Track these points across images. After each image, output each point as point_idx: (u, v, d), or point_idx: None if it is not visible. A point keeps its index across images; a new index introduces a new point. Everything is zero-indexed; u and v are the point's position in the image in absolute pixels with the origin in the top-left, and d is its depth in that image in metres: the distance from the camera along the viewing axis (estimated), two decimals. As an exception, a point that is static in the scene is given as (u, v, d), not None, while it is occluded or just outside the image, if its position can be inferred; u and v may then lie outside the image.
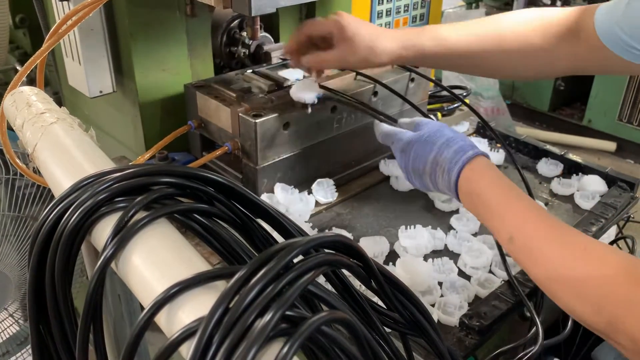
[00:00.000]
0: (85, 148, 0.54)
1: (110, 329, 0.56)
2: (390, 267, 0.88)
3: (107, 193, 0.43)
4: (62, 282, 0.43)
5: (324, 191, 1.06)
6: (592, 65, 0.88)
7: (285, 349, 0.30)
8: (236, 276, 0.34)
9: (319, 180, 1.06)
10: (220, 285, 0.37)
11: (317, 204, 1.04)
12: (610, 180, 1.12)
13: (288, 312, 0.33)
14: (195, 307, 0.35)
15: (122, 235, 0.40)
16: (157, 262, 0.39)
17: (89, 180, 0.45)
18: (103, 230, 0.42)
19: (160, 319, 0.36)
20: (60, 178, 0.51)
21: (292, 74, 1.09)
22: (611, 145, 3.28)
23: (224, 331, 0.31)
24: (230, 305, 0.32)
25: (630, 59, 0.79)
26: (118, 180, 0.44)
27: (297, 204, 1.00)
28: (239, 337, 0.31)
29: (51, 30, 0.89)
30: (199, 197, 0.46)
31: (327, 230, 0.97)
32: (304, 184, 1.06)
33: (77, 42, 1.08)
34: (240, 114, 0.96)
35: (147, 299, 0.37)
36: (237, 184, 0.47)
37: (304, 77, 1.10)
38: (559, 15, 0.87)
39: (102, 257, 0.40)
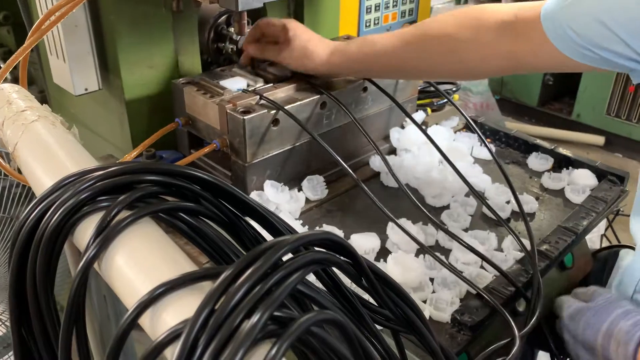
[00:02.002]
0: (68, 146, 0.52)
1: (96, 330, 0.55)
2: (381, 264, 0.87)
3: (89, 192, 0.42)
4: (43, 283, 0.42)
5: (314, 188, 1.05)
6: (537, 63, 0.83)
7: (274, 351, 0.29)
8: (222, 276, 0.33)
9: (309, 177, 1.05)
10: (206, 286, 0.36)
11: (307, 201, 1.03)
12: (600, 173, 1.12)
13: (276, 313, 0.32)
14: (181, 308, 0.34)
15: (105, 236, 0.39)
16: (141, 263, 0.38)
17: (71, 179, 0.44)
18: (85, 231, 0.41)
19: (145, 321, 0.35)
20: (42, 177, 0.49)
21: (280, 70, 1.08)
22: (600, 140, 3.31)
23: (209, 333, 0.30)
24: (216, 306, 0.31)
25: (580, 60, 0.75)
26: (100, 178, 0.43)
27: (287, 202, 0.99)
28: (226, 339, 0.30)
29: (33, 27, 0.87)
30: (185, 195, 0.45)
31: (317, 228, 0.96)
32: (293, 181, 1.05)
33: (61, 39, 1.05)
34: (228, 111, 0.95)
35: (130, 301, 0.36)
36: (224, 181, 0.46)
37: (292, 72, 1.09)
38: (501, 9, 0.84)
39: (85, 258, 0.39)
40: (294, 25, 1.01)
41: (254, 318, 0.30)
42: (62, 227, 0.42)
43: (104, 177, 0.42)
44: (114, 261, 0.39)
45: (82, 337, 0.41)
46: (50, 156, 0.51)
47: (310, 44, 0.99)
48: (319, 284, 0.48)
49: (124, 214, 0.41)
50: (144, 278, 0.37)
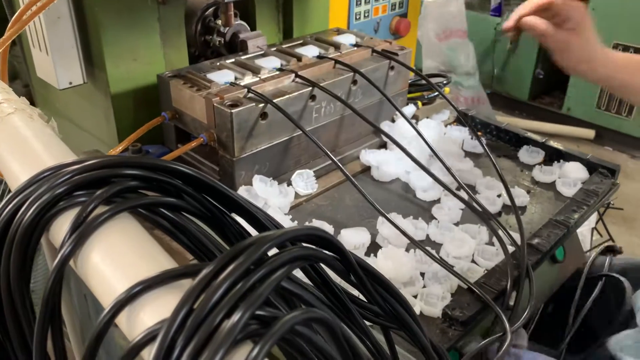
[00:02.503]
0: (45, 140, 0.51)
1: (77, 330, 0.53)
2: (372, 258, 0.86)
3: (65, 186, 0.40)
4: (18, 281, 0.40)
5: (304, 182, 1.04)
6: None
7: (255, 352, 0.28)
8: (202, 273, 0.31)
9: (298, 171, 1.04)
10: (186, 284, 0.34)
11: (296, 195, 1.01)
12: (591, 166, 1.11)
13: (259, 312, 0.30)
14: (159, 308, 0.32)
15: (81, 232, 0.37)
16: (118, 260, 0.36)
17: (47, 173, 0.42)
18: (61, 227, 0.40)
19: (122, 320, 0.34)
20: (17, 171, 0.47)
21: (269, 63, 1.06)
22: (590, 133, 3.31)
23: (187, 334, 0.28)
24: (195, 305, 0.30)
25: None
26: (77, 172, 0.41)
27: (276, 196, 0.97)
28: (204, 340, 0.28)
29: (13, 18, 0.84)
30: (166, 190, 0.43)
31: (307, 223, 0.95)
32: (283, 176, 1.04)
33: (44, 32, 1.03)
34: (215, 104, 0.93)
35: (107, 300, 0.34)
36: (207, 175, 0.44)
37: (281, 65, 1.07)
38: None
39: (60, 255, 0.37)
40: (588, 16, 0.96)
41: (235, 317, 0.29)
42: (36, 223, 0.40)
43: (81, 171, 0.41)
44: (90, 258, 0.37)
45: (57, 337, 0.40)
46: (27, 150, 0.49)
47: (596, 45, 0.96)
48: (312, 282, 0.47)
49: (101, 209, 0.39)
50: (121, 276, 0.35)
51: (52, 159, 0.47)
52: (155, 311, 0.32)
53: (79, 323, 0.53)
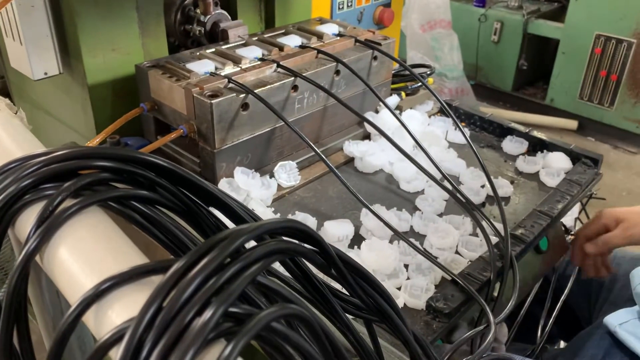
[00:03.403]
0: (12, 131, 0.48)
1: (48, 328, 0.51)
2: (355, 250, 0.85)
3: (31, 178, 0.39)
4: (-18, 280, 0.38)
5: (287, 174, 1.02)
6: None
7: (227, 351, 0.26)
8: (172, 269, 0.30)
9: (281, 163, 1.02)
10: (157, 281, 0.33)
11: (279, 187, 1.00)
12: (575, 156, 1.11)
13: (232, 309, 0.29)
14: (127, 305, 0.31)
15: (47, 226, 0.36)
16: (86, 255, 0.35)
17: (13, 165, 0.40)
18: (27, 221, 0.38)
19: (89, 318, 0.32)
20: (-18, 164, 0.45)
21: (250, 52, 1.04)
22: (573, 124, 3.34)
23: (156, 333, 0.27)
24: (165, 302, 0.28)
25: None
26: (45, 164, 0.39)
27: (259, 189, 0.95)
28: (174, 339, 0.27)
29: (-17, 6, 0.81)
30: (139, 182, 0.42)
31: (290, 215, 0.94)
32: (265, 168, 1.02)
33: (17, 21, 1.00)
34: (195, 95, 0.91)
35: (74, 297, 0.33)
36: (181, 167, 0.42)
37: (263, 55, 1.05)
38: None
39: (24, 251, 0.35)
40: (614, 210, 1.10)
41: (206, 315, 0.27)
42: (1, 217, 0.38)
43: (48, 162, 0.39)
44: (57, 254, 0.36)
45: (24, 337, 0.38)
46: (-7, 141, 0.47)
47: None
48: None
49: (69, 202, 0.37)
50: (89, 272, 0.34)
51: (20, 151, 0.45)
52: (124, 309, 0.31)
53: (51, 321, 0.52)
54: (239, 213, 0.44)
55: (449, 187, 0.97)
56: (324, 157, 0.93)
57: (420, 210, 0.97)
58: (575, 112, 3.33)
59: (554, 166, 1.09)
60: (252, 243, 0.35)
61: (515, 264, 0.83)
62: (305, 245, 0.39)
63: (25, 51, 1.03)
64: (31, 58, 1.03)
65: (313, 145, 0.94)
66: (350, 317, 0.49)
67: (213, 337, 0.27)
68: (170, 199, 0.43)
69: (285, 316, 0.31)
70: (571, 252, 1.14)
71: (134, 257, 0.35)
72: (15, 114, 0.52)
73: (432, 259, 0.82)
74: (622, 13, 2.94)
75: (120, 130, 0.99)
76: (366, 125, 1.17)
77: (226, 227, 0.46)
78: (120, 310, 0.31)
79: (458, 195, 0.95)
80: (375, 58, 1.15)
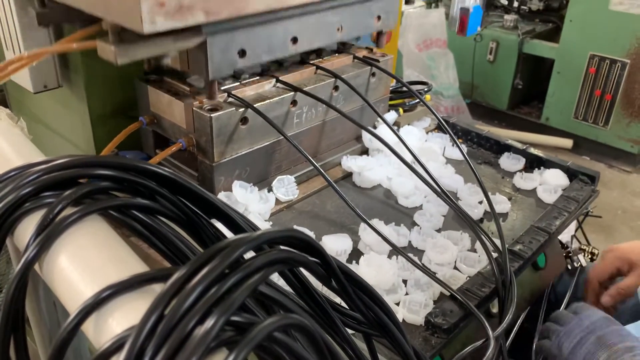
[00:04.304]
0: (13, 140, 0.48)
1: (45, 340, 0.50)
2: (353, 266, 0.84)
3: (32, 187, 0.38)
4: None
5: (285, 188, 1.02)
6: None
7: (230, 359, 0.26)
8: (173, 277, 0.29)
9: (279, 177, 1.02)
10: (158, 289, 0.32)
11: (277, 202, 1.00)
12: (572, 173, 1.12)
13: (234, 318, 0.29)
14: (128, 314, 0.30)
15: (47, 234, 0.35)
16: (86, 264, 0.34)
17: (13, 173, 0.40)
18: (27, 229, 0.37)
19: (89, 327, 0.31)
20: (-18, 173, 0.45)
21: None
22: (568, 142, 3.36)
23: (157, 341, 0.27)
24: (166, 311, 0.28)
25: None
26: (45, 172, 0.39)
27: (257, 203, 0.95)
28: (176, 348, 0.26)
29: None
30: (139, 191, 0.41)
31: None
32: (263, 182, 1.02)
33: (18, 34, 1.00)
34: (194, 108, 0.91)
35: (73, 305, 0.32)
36: (181, 175, 0.42)
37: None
38: None
39: (23, 259, 0.35)
40: (625, 249, 1.08)
41: (208, 323, 0.27)
42: (1, 225, 0.38)
43: (49, 170, 0.39)
44: (57, 262, 0.35)
45: (21, 348, 0.37)
46: (-7, 150, 0.47)
47: None
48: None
49: (69, 210, 0.37)
50: (88, 280, 0.33)
51: (20, 159, 0.45)
52: (124, 317, 0.30)
53: (47, 333, 0.51)
54: (239, 223, 0.44)
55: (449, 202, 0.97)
56: (322, 171, 0.93)
57: (418, 225, 0.96)
58: (571, 131, 3.35)
59: (551, 183, 1.09)
60: (252, 253, 0.35)
61: (513, 279, 0.83)
62: (306, 255, 0.39)
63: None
64: (31, 71, 1.04)
65: (312, 160, 0.94)
66: (349, 331, 0.49)
67: (215, 346, 0.27)
68: (170, 209, 0.42)
69: (288, 326, 0.30)
70: (584, 295, 1.13)
71: (135, 266, 0.35)
72: (16, 123, 0.52)
73: (431, 274, 0.82)
74: (616, 34, 2.98)
75: (118, 144, 0.99)
76: (364, 140, 1.17)
77: (225, 237, 0.46)
78: (121, 319, 0.30)
79: (457, 209, 0.95)
80: (373, 74, 1.15)
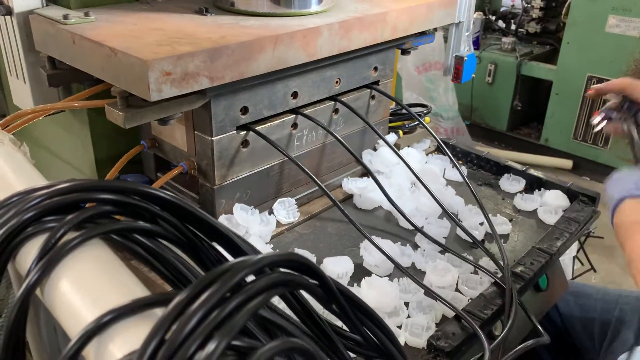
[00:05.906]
0: (16, 165, 0.49)
1: (44, 365, 0.50)
2: (355, 288, 0.84)
3: (34, 211, 0.39)
4: (-20, 314, 0.38)
5: (286, 211, 1.02)
6: None
7: (231, 384, 0.26)
8: (174, 302, 0.29)
9: (280, 199, 1.03)
10: (159, 313, 0.32)
11: (278, 224, 1.00)
12: (572, 194, 1.12)
13: (235, 342, 0.29)
14: (129, 338, 0.30)
15: (49, 259, 0.36)
16: (87, 288, 0.34)
17: (15, 198, 0.41)
18: (29, 254, 0.38)
19: (90, 352, 0.31)
20: (-15, 197, 0.45)
21: None
22: (568, 163, 3.36)
23: (158, 366, 0.27)
24: (167, 335, 0.28)
25: None
26: (47, 197, 0.39)
27: (258, 225, 0.95)
28: (177, 372, 0.26)
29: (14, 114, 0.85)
30: (141, 215, 0.42)
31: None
32: (264, 204, 1.02)
33: (21, 59, 1.02)
34: (196, 132, 0.92)
35: (75, 330, 0.32)
36: (183, 199, 0.43)
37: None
38: None
39: (25, 284, 0.35)
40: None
41: (209, 348, 0.27)
42: (3, 250, 0.38)
43: (51, 195, 0.39)
44: (59, 287, 0.35)
45: (21, 373, 0.37)
46: (-4, 175, 0.47)
47: None
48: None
49: (71, 235, 0.37)
50: (90, 305, 0.33)
51: (22, 184, 0.46)
52: (125, 342, 0.30)
53: (47, 358, 0.51)
54: (240, 247, 0.44)
55: (450, 223, 0.97)
56: (327, 191, 0.94)
57: (420, 247, 0.96)
58: (570, 152, 3.36)
59: (552, 204, 1.10)
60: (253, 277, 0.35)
61: (516, 301, 0.83)
62: (307, 278, 0.39)
63: (28, 89, 1.04)
64: (34, 95, 1.05)
65: (317, 180, 0.94)
66: (351, 354, 0.48)
67: (216, 370, 0.27)
68: (172, 232, 0.43)
69: (289, 350, 0.30)
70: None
71: (136, 290, 0.35)
72: (19, 148, 0.52)
73: (434, 295, 0.82)
74: (613, 55, 3.01)
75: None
76: (364, 162, 1.18)
77: (227, 260, 0.46)
78: (122, 344, 0.30)
79: (462, 228, 0.95)
80: (373, 97, 1.16)
